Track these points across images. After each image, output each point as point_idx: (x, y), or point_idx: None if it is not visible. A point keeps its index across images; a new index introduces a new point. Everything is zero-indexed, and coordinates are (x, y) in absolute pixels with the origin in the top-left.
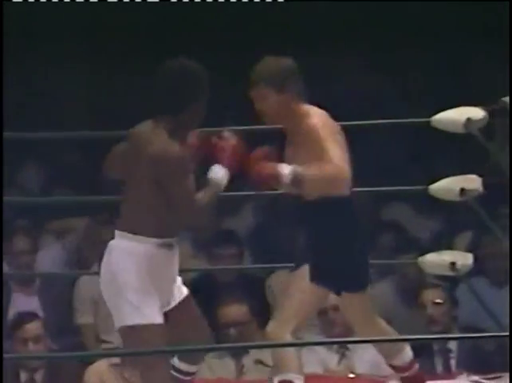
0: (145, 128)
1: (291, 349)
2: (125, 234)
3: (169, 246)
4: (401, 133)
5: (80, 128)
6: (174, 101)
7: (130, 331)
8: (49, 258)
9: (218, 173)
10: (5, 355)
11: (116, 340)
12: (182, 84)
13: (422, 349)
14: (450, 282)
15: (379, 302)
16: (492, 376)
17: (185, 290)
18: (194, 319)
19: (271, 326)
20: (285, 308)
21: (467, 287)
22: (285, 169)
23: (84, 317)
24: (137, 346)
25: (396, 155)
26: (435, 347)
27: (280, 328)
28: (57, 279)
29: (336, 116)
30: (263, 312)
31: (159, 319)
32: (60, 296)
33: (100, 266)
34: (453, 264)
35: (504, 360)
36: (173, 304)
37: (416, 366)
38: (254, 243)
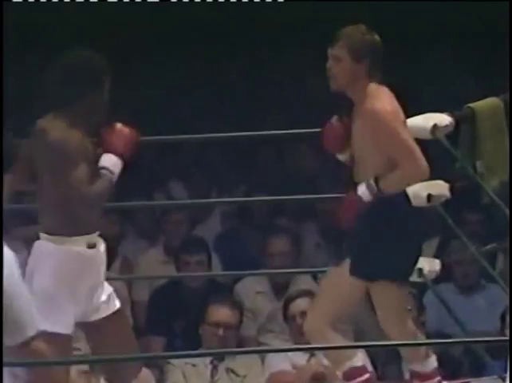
0: (43, 122)
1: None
2: (43, 235)
3: (89, 245)
4: None
5: None
6: (67, 93)
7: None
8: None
9: (109, 161)
10: None
11: (84, 347)
12: (73, 75)
13: (390, 356)
14: (418, 288)
15: None
16: (460, 381)
17: (117, 303)
18: (123, 335)
19: (309, 320)
20: (323, 302)
21: (434, 293)
22: (364, 191)
23: None
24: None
25: None
26: None
27: (318, 321)
28: None
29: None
30: None
31: (67, 330)
32: None
33: None
34: (420, 270)
35: (471, 365)
36: (100, 314)
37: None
38: (221, 250)
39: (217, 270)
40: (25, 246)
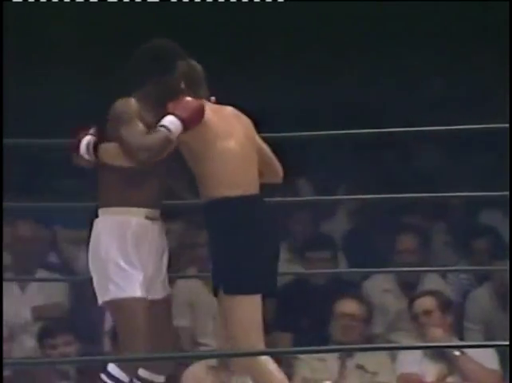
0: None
1: None
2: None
3: (151, 219)
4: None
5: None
6: (137, 76)
7: (111, 306)
8: None
9: (167, 120)
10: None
11: (212, 342)
12: (144, 59)
13: None
14: None
15: (477, 308)
16: None
17: (169, 289)
18: (166, 322)
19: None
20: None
21: None
22: (83, 149)
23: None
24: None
25: (491, 161)
26: None
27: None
28: None
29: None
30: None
31: (138, 293)
32: None
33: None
34: None
35: None
36: (154, 295)
37: None
38: (348, 247)
39: (344, 267)
40: None
